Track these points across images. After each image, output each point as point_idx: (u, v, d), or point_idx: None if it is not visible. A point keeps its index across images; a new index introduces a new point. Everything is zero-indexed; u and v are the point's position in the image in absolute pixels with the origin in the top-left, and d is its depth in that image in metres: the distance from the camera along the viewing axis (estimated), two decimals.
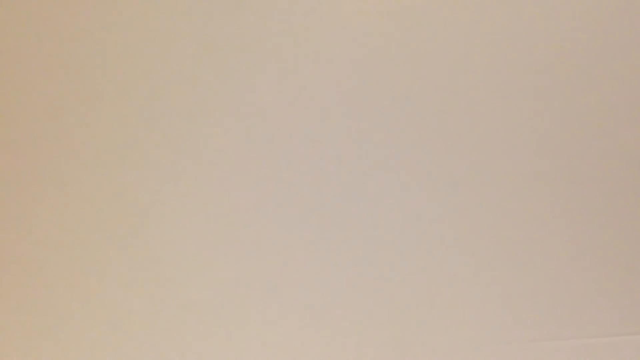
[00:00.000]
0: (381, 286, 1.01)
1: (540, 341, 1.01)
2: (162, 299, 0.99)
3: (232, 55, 1.00)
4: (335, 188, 1.01)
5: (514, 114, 1.02)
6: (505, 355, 1.00)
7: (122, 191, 0.99)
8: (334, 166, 1.01)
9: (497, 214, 1.02)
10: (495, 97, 1.02)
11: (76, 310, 0.98)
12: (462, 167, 1.01)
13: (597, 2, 1.02)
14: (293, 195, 1.00)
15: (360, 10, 1.01)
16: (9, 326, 0.97)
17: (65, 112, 0.99)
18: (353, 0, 1.01)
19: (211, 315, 0.99)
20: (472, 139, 1.01)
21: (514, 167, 1.02)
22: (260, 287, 1.00)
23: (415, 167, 1.01)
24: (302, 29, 1.01)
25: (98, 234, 0.99)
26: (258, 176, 1.00)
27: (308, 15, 1.01)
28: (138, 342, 0.98)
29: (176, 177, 1.00)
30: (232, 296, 1.00)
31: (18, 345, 0.96)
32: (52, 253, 0.98)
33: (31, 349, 0.96)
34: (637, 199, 1.02)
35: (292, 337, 1.01)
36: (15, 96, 0.99)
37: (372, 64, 1.01)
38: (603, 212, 1.02)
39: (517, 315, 1.01)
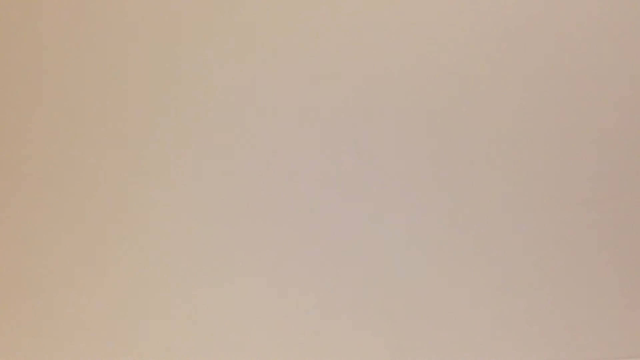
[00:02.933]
0: (391, 308, 1.01)
1: None
2: (158, 302, 0.99)
3: (230, 55, 1.00)
4: (335, 192, 1.01)
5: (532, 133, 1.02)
6: None
7: (118, 193, 0.99)
8: (335, 169, 1.01)
9: (510, 231, 1.01)
10: (506, 108, 1.02)
11: (73, 310, 0.98)
12: (481, 180, 1.01)
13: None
14: (293, 200, 1.00)
15: (361, 13, 1.01)
16: (8, 326, 0.97)
17: (63, 111, 0.99)
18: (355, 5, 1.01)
19: (209, 317, 1.00)
20: (490, 149, 1.01)
21: (530, 184, 1.02)
22: (260, 291, 1.00)
23: (432, 175, 1.01)
24: (303, 31, 1.01)
25: (93, 234, 0.99)
26: (257, 178, 1.00)
27: (309, 17, 1.01)
28: (134, 346, 0.99)
29: (173, 179, 1.00)
30: (230, 299, 1.00)
31: (17, 345, 0.96)
32: (49, 252, 0.98)
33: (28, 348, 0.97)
34: None
35: (290, 343, 1.01)
36: (14, 96, 0.99)
37: (374, 68, 1.01)
38: (618, 234, 1.01)
39: (521, 338, 1.01)
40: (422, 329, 1.01)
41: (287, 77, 1.02)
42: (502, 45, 1.03)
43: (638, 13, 1.01)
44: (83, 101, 1.00)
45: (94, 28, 0.99)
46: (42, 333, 0.97)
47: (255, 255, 1.00)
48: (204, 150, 1.01)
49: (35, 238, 0.98)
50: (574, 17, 1.03)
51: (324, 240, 1.02)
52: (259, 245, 1.01)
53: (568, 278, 1.04)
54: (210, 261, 1.00)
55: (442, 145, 1.02)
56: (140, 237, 1.00)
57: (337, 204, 1.03)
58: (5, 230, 0.99)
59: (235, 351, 1.00)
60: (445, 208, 1.02)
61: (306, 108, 1.01)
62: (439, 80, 1.03)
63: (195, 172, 1.00)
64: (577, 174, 1.03)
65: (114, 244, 0.99)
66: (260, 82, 1.01)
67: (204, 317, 0.99)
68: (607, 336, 1.01)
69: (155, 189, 0.99)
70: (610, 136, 1.03)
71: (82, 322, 0.99)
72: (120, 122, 0.99)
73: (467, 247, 1.03)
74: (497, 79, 1.02)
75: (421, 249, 1.02)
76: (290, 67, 1.01)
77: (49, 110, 0.99)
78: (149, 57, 1.00)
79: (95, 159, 0.99)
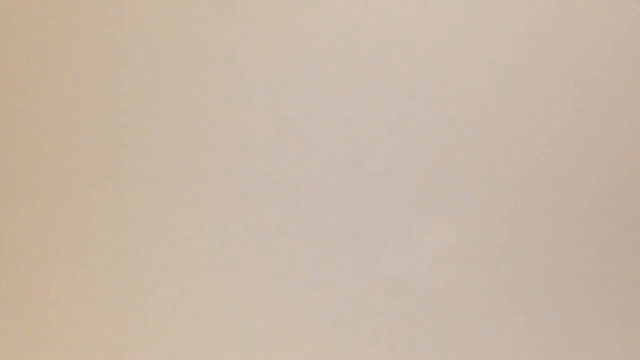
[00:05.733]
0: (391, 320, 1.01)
1: None
2: (159, 302, 0.99)
3: (230, 55, 1.01)
4: (335, 194, 1.01)
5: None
6: None
7: (117, 192, 1.00)
8: (334, 171, 1.01)
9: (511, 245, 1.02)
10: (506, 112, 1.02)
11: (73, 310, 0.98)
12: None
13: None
14: (293, 200, 1.01)
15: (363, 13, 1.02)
16: (8, 326, 0.97)
17: (63, 112, 1.00)
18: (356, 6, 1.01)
19: (208, 319, 1.00)
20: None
21: (531, 186, 1.02)
22: (262, 294, 1.00)
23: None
24: (303, 32, 1.01)
25: (96, 236, 0.99)
26: (257, 179, 1.01)
27: (310, 17, 1.01)
28: (136, 345, 0.99)
29: (172, 179, 1.00)
30: (230, 300, 1.00)
31: (18, 345, 0.97)
32: (51, 253, 0.98)
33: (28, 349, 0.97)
34: None
35: (289, 345, 1.01)
36: (15, 97, 0.99)
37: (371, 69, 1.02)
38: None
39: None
40: (421, 332, 1.01)
41: (287, 78, 1.02)
42: (504, 48, 1.04)
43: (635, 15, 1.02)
44: (81, 100, 1.00)
45: (93, 27, 1.00)
46: (41, 334, 0.98)
47: (253, 255, 1.01)
48: (203, 150, 1.01)
49: (32, 237, 0.99)
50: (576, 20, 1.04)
51: (324, 242, 1.02)
52: (258, 245, 1.01)
53: (570, 281, 1.04)
54: (208, 261, 1.01)
55: (441, 146, 1.03)
56: (139, 236, 1.00)
57: (337, 206, 1.03)
58: (5, 231, 0.99)
59: (234, 352, 1.00)
60: (444, 208, 1.02)
61: (305, 107, 1.02)
62: (439, 81, 1.04)
63: (194, 172, 1.01)
64: (579, 175, 1.03)
65: (112, 243, 1.00)
66: (260, 83, 1.02)
67: (202, 319, 1.00)
68: (610, 340, 1.00)
69: (153, 188, 1.00)
70: (614, 138, 1.03)
71: (80, 323, 0.99)
72: (117, 120, 1.00)
73: (467, 247, 1.03)
74: (500, 81, 1.03)
75: (420, 248, 1.02)
76: (289, 68, 1.02)
77: (46, 109, 1.00)
78: (147, 57, 1.01)
79: (94, 158, 1.00)
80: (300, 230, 1.02)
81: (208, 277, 1.01)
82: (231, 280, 1.01)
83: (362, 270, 1.01)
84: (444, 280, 1.01)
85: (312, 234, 1.02)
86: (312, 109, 1.02)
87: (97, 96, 1.00)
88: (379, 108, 1.02)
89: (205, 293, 1.01)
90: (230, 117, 1.01)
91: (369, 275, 1.01)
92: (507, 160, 1.03)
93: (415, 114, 1.03)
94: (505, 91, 1.03)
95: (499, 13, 1.02)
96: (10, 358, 0.96)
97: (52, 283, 0.98)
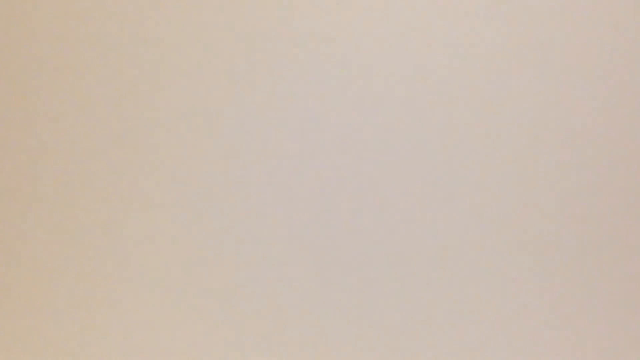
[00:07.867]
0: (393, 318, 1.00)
1: None
2: (159, 301, 0.99)
3: (230, 53, 1.00)
4: (334, 194, 1.01)
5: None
6: None
7: (119, 190, 0.99)
8: (333, 170, 1.01)
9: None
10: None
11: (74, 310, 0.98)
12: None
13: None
14: (291, 201, 1.00)
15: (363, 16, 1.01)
16: (8, 326, 0.97)
17: (63, 110, 0.99)
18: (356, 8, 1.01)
19: (207, 318, 0.99)
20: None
21: (531, 185, 1.01)
22: (259, 293, 1.00)
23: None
24: (303, 31, 1.01)
25: (96, 234, 0.99)
26: (256, 180, 1.00)
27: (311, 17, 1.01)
28: (137, 344, 0.99)
29: (171, 180, 1.00)
30: (230, 300, 1.00)
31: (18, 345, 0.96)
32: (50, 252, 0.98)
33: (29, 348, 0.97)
34: None
35: (288, 345, 1.01)
36: (16, 96, 0.99)
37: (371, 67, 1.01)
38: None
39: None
40: (417, 334, 1.00)
41: (288, 77, 1.02)
42: (504, 44, 1.03)
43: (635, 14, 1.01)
44: (81, 102, 1.00)
45: (94, 28, 1.00)
46: (41, 336, 0.97)
47: (252, 256, 1.00)
48: (202, 151, 1.01)
49: (32, 240, 0.99)
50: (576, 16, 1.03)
51: (323, 242, 1.02)
52: (257, 246, 1.00)
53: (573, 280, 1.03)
54: (207, 263, 1.00)
55: (441, 147, 1.02)
56: (139, 239, 1.00)
57: (336, 205, 1.03)
58: (4, 232, 0.99)
59: (231, 352, 1.00)
60: (443, 208, 1.02)
61: (306, 107, 1.01)
62: (439, 82, 1.03)
63: (193, 173, 1.00)
64: (577, 175, 1.02)
65: (112, 246, 0.99)
66: (261, 83, 1.01)
67: (200, 320, 0.99)
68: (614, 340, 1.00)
69: (154, 190, 0.99)
70: (611, 139, 1.03)
71: (79, 325, 0.99)
72: (118, 124, 1.00)
73: (466, 247, 1.02)
74: (500, 77, 1.02)
75: (419, 249, 1.02)
76: (291, 66, 1.02)
77: (46, 111, 1.00)
78: (147, 58, 1.00)
79: (94, 160, 0.99)
80: (298, 231, 1.01)
81: (207, 276, 1.01)
82: (231, 280, 1.01)
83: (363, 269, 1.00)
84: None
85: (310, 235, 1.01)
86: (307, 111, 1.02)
87: (97, 96, 1.00)
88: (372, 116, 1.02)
89: (204, 292, 1.00)
90: (229, 118, 1.01)
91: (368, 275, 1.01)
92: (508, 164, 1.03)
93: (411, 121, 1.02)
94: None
95: (498, 14, 1.02)
96: (10, 358, 0.96)
97: (51, 283, 0.98)
